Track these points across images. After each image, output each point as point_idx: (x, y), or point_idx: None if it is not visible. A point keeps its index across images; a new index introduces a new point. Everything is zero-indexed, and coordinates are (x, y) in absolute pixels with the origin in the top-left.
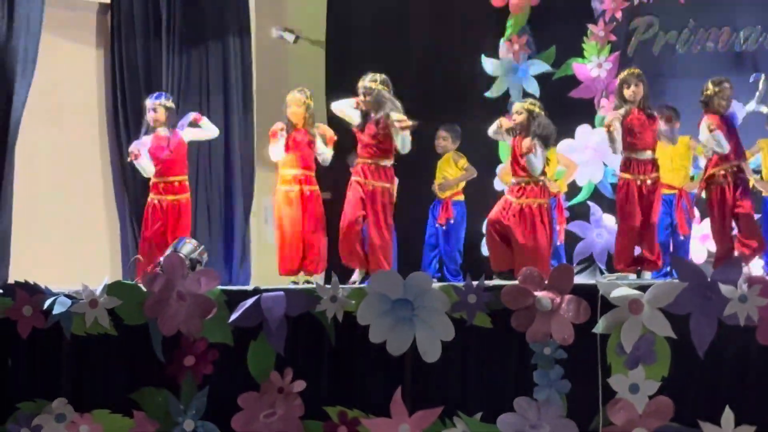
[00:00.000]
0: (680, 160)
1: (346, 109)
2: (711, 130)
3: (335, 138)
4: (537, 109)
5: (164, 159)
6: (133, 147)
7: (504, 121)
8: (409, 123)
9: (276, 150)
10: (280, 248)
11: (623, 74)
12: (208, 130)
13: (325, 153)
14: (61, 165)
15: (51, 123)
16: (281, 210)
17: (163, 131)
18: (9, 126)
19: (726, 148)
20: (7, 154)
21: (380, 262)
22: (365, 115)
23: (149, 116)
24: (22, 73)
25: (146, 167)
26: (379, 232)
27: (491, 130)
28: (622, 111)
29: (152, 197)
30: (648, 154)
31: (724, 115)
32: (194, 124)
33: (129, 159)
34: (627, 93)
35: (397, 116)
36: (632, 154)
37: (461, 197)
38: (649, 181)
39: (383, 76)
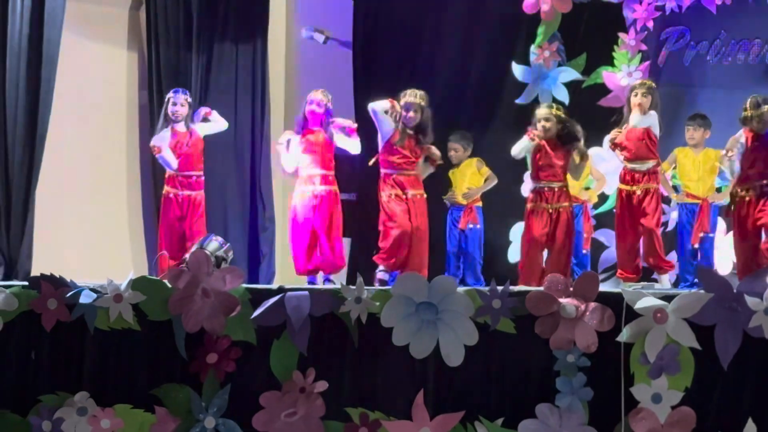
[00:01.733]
0: (705, 172)
1: (381, 112)
2: (729, 157)
3: (355, 126)
4: (563, 114)
5: (182, 154)
6: (155, 142)
7: (533, 132)
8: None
9: (287, 160)
10: (294, 248)
11: (634, 83)
12: (218, 123)
13: (351, 145)
14: (87, 162)
15: (78, 119)
16: (297, 210)
17: (181, 127)
18: (37, 116)
19: (731, 176)
20: (36, 147)
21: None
22: (405, 130)
23: (173, 109)
24: (47, 64)
25: (171, 160)
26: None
27: (518, 151)
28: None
29: (168, 190)
30: (648, 165)
31: (760, 134)
32: (205, 119)
33: (153, 153)
34: (633, 101)
35: (437, 152)
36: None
37: (479, 203)
38: (639, 192)
39: (423, 92)
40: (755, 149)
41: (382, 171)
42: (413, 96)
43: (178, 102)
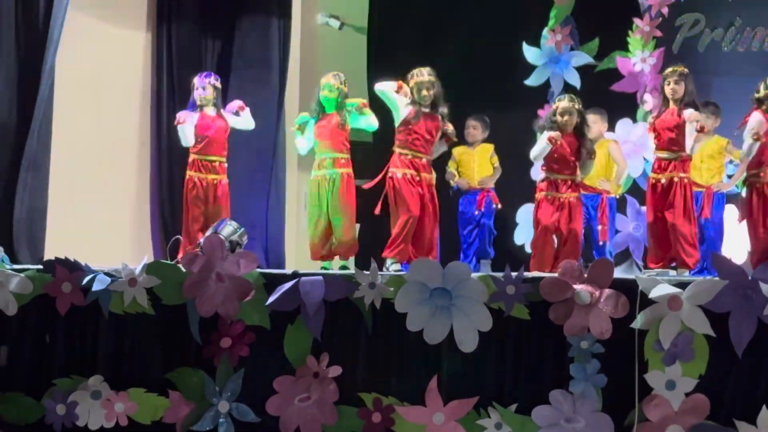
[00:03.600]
0: (711, 160)
1: (391, 92)
2: (755, 138)
3: (366, 103)
4: (581, 106)
5: (208, 137)
6: (182, 114)
7: (553, 136)
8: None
9: (301, 143)
10: (311, 233)
11: (666, 71)
12: (247, 122)
13: (366, 123)
14: (100, 145)
15: (95, 102)
16: (312, 194)
17: (210, 110)
18: (37, 97)
19: (744, 159)
20: (36, 127)
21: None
22: (420, 108)
23: (197, 94)
24: (50, 43)
25: (188, 136)
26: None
27: (537, 154)
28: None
29: (191, 174)
30: (677, 154)
31: None
32: (237, 113)
33: (175, 123)
34: (666, 90)
35: (452, 129)
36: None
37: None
38: (664, 181)
39: (434, 71)
40: None
41: (397, 150)
42: (422, 75)
43: (201, 86)
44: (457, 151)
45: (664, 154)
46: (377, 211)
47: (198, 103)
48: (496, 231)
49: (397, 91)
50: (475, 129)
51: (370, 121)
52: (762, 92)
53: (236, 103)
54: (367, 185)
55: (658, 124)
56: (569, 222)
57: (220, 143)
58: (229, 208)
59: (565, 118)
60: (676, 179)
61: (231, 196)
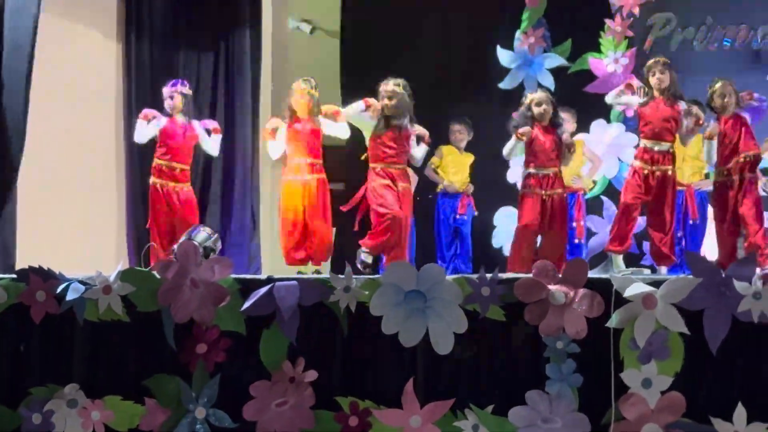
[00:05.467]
0: (694, 160)
1: (357, 113)
2: (707, 137)
3: (338, 111)
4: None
5: (174, 145)
6: (149, 111)
7: (521, 131)
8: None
9: (273, 148)
10: (283, 238)
11: (649, 62)
12: (213, 147)
13: (339, 131)
14: (73, 152)
15: (67, 107)
16: (285, 199)
17: (179, 117)
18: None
19: (709, 162)
20: (13, 137)
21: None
22: (386, 119)
23: (167, 104)
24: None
25: (144, 132)
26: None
27: (509, 151)
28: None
29: (155, 181)
30: (665, 146)
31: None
32: (208, 131)
33: (138, 118)
34: (652, 81)
35: (424, 130)
36: (647, 143)
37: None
38: (658, 173)
39: (404, 81)
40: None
41: (371, 165)
42: (386, 84)
43: (169, 96)
44: (446, 149)
45: (658, 145)
46: (356, 228)
47: (169, 112)
48: (474, 235)
49: (365, 110)
50: (461, 133)
51: (341, 129)
52: (708, 95)
53: (211, 124)
54: (345, 207)
55: (650, 114)
56: (551, 222)
57: (185, 152)
58: (196, 215)
59: (542, 107)
60: (669, 172)
61: (206, 203)
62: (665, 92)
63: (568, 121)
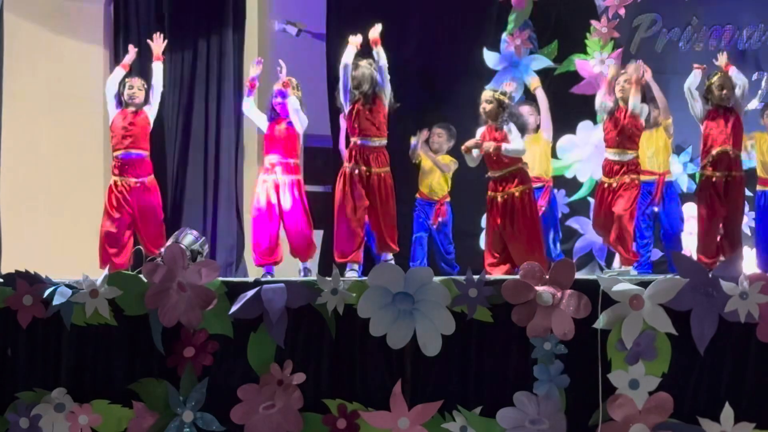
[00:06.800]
0: (664, 152)
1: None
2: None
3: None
4: (507, 99)
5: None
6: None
7: (469, 144)
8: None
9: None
10: (254, 238)
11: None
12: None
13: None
14: (58, 157)
15: (53, 114)
16: (260, 199)
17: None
18: None
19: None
20: None
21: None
22: (353, 96)
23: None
24: None
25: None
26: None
27: (471, 161)
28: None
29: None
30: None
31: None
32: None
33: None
34: (617, 90)
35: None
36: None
37: (449, 198)
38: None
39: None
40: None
41: (350, 141)
42: (355, 67)
43: (135, 86)
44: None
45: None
46: None
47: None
48: (459, 238)
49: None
50: (440, 137)
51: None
52: (705, 85)
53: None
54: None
55: (612, 125)
56: (514, 220)
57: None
58: (153, 211)
59: (483, 106)
60: (627, 180)
61: (191, 205)
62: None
63: (531, 114)
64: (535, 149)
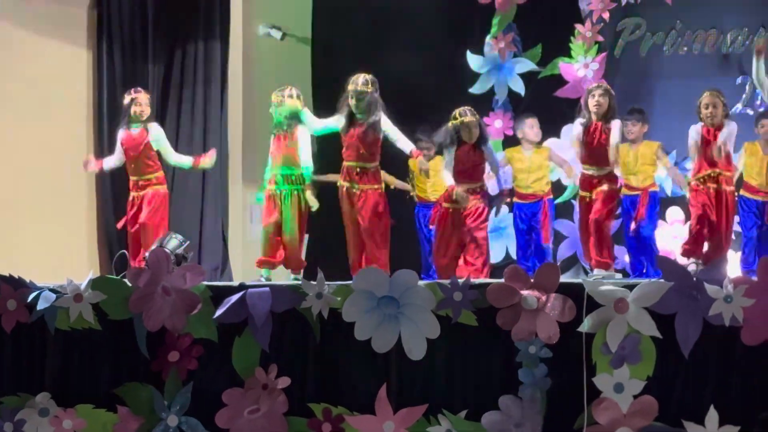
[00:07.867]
0: (643, 165)
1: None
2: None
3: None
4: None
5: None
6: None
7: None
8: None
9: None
10: (263, 245)
11: (590, 86)
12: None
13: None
14: (43, 160)
15: (37, 118)
16: (264, 208)
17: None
18: None
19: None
20: None
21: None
22: (350, 117)
23: (135, 108)
24: None
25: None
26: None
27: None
28: None
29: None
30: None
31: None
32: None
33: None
34: (591, 103)
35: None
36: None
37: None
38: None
39: (372, 77)
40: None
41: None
42: (353, 83)
43: (142, 103)
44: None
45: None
46: None
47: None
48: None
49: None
50: (429, 150)
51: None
52: (696, 105)
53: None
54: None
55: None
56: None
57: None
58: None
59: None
60: (605, 188)
61: (177, 212)
62: (602, 117)
63: (532, 126)
64: (539, 160)
